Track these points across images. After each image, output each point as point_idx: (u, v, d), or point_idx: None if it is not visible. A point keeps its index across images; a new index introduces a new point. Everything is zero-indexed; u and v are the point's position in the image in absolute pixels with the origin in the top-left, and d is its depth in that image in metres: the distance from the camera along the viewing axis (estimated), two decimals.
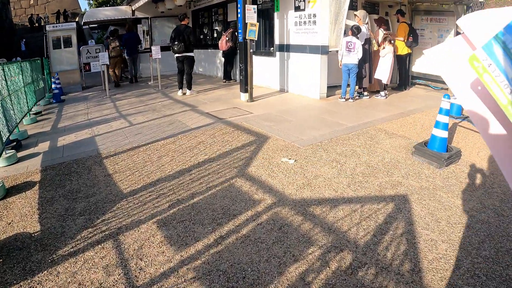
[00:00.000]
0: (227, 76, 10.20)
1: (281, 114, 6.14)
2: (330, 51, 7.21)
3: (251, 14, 6.84)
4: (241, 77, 7.37)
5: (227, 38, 9.63)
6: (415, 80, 8.86)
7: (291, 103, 7.11)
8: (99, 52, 11.40)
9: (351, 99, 7.19)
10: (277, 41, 8.31)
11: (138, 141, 4.95)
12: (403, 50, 8.02)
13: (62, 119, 7.11)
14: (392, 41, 7.60)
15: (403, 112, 6.04)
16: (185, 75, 8.39)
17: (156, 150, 4.55)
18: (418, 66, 8.80)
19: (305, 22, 7.44)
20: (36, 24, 28.30)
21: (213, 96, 8.17)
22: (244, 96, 7.34)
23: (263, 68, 8.90)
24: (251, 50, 7.02)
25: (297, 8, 7.54)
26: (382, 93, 7.50)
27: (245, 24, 6.86)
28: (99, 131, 5.71)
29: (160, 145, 4.72)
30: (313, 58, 7.36)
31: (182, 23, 8.19)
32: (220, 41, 9.77)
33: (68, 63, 11.23)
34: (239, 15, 6.92)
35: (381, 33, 7.56)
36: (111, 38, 11.21)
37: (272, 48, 8.62)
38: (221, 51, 10.27)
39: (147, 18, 12.48)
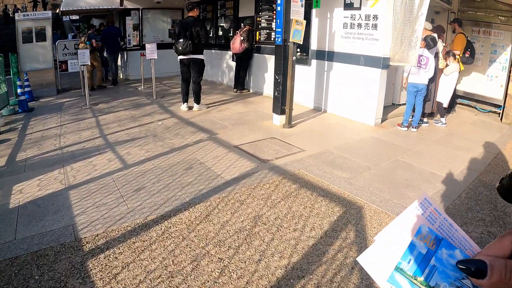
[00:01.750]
0: (240, 84, 8.22)
1: (343, 153, 4.30)
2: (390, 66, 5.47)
3: (297, 7, 4.94)
4: (275, 93, 5.45)
5: (241, 38, 7.67)
6: (457, 99, 7.30)
7: (343, 132, 5.26)
8: (77, 48, 9.14)
9: (414, 127, 5.45)
10: (314, 46, 6.44)
11: (142, 210, 2.95)
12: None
13: (24, 144, 4.95)
14: (457, 57, 5.95)
15: (488, 150, 4.60)
16: (192, 84, 6.39)
17: (181, 237, 2.57)
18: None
19: (359, 25, 5.61)
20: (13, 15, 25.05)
21: (230, 114, 6.19)
22: (279, 119, 5.43)
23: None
24: (294, 58, 5.11)
25: (349, 6, 5.70)
26: (443, 119, 5.84)
27: (288, 21, 4.95)
28: (76, 177, 3.65)
29: (185, 223, 2.75)
30: (370, 72, 5.55)
31: (190, 14, 6.19)
32: (232, 41, 7.80)
33: (41, 61, 8.83)
34: (278, 8, 5.00)
35: (440, 45, 5.83)
36: (88, 32, 9.22)
37: (306, 55, 6.74)
38: (231, 53, 8.31)
39: (137, 9, 10.31)
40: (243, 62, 8.02)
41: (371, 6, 5.42)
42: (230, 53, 8.71)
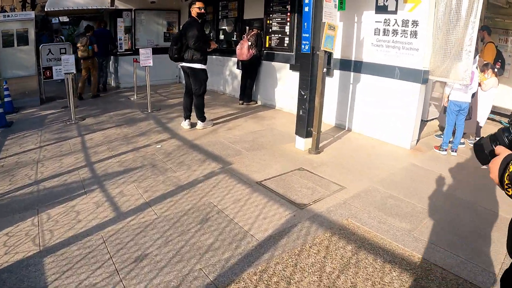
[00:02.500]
0: (247, 96, 7.32)
1: (391, 190, 3.48)
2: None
3: (330, 9, 4.10)
4: (300, 112, 4.57)
5: (249, 43, 6.79)
6: None
7: (379, 158, 4.43)
8: (64, 53, 8.12)
9: (454, 151, 4.68)
10: (337, 54, 5.59)
11: None
12: None
13: None
14: (495, 69, 5.22)
15: None
16: (194, 97, 5.47)
17: None
18: None
19: (395, 32, 4.79)
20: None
21: (242, 134, 5.29)
22: (303, 143, 4.56)
23: None
24: (324, 70, 4.24)
25: (382, 9, 4.88)
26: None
27: (318, 26, 4.09)
28: (54, 233, 2.72)
29: None
30: (407, 87, 4.74)
31: (192, 13, 5.34)
32: (239, 47, 6.91)
33: (23, 67, 7.78)
34: (306, 9, 4.13)
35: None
36: (86, 34, 8.21)
37: (328, 64, 5.89)
38: (236, 60, 7.43)
39: (130, 10, 9.34)
40: (251, 70, 7.13)
41: (410, 10, 4.60)
42: (234, 59, 7.83)
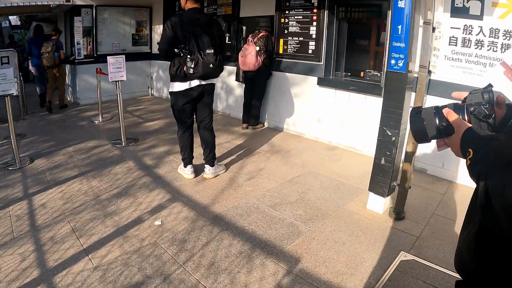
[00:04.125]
0: (253, 117, 5.65)
1: None
2: None
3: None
4: (383, 161, 3.02)
5: (257, 49, 5.15)
6: None
7: None
8: (6, 63, 5.91)
9: None
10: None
11: None
12: None
13: None
14: None
15: None
16: (203, 131, 3.75)
17: None
18: None
19: (479, 43, 3.39)
20: None
21: (276, 187, 3.64)
22: (382, 204, 3.03)
23: (352, 114, 4.62)
24: (425, 99, 2.71)
25: (460, 11, 3.48)
26: None
27: (413, 31, 2.54)
28: None
29: None
30: None
31: (193, 4, 3.49)
32: (243, 54, 5.26)
33: None
34: (401, 3, 2.57)
35: None
36: (52, 38, 6.84)
37: (378, 80, 4.41)
38: (237, 71, 5.77)
39: (90, 6, 7.30)
40: (259, 83, 5.48)
41: (501, 17, 3.22)
42: (228, 68, 6.16)
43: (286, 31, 5.23)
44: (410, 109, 1.17)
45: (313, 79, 4.97)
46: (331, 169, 4.02)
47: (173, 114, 3.72)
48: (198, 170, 3.87)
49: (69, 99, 8.22)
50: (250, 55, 5.15)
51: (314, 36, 4.90)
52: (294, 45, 5.16)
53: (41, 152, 4.70)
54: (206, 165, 3.80)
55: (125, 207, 3.17)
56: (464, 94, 0.96)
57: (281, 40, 5.32)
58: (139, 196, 3.38)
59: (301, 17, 5.01)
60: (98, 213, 3.07)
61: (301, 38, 5.06)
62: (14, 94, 4.34)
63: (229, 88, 6.46)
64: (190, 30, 3.33)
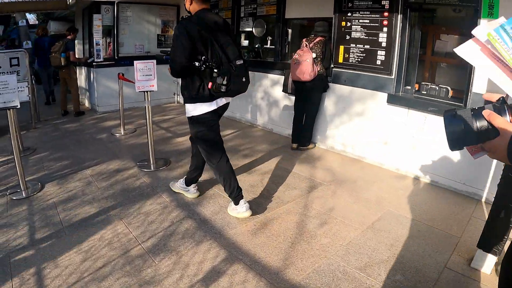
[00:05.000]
0: (304, 136, 4.80)
1: None
2: None
3: None
4: (502, 214, 2.11)
5: (314, 56, 4.30)
6: None
7: None
8: (16, 65, 5.13)
9: None
10: (478, 87, 3.25)
11: None
12: None
13: None
14: None
15: None
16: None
17: None
18: None
19: None
20: None
21: (357, 237, 2.77)
22: (488, 263, 2.30)
23: (428, 139, 3.70)
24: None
25: None
26: None
27: None
28: None
29: None
30: None
31: (202, 6, 2.77)
32: (296, 61, 4.43)
33: None
34: None
35: None
36: (67, 37, 6.35)
37: (464, 99, 3.50)
38: (285, 81, 4.91)
39: (111, 3, 6.54)
40: (313, 97, 4.62)
41: None
42: (271, 76, 5.37)
43: (348, 37, 4.36)
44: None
45: (382, 96, 4.10)
46: (412, 208, 3.17)
47: (198, 145, 2.95)
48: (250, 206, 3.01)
49: (86, 105, 7.47)
50: (305, 62, 4.30)
51: (384, 44, 4.02)
52: (358, 54, 4.29)
53: (53, 175, 3.91)
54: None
55: (166, 270, 2.33)
56: (496, 95, 0.88)
57: (341, 47, 4.45)
58: (183, 252, 2.53)
59: (367, 21, 4.13)
60: (130, 281, 2.22)
61: (367, 46, 4.18)
62: (17, 106, 3.54)
63: (272, 100, 5.61)
64: (211, 37, 2.57)
